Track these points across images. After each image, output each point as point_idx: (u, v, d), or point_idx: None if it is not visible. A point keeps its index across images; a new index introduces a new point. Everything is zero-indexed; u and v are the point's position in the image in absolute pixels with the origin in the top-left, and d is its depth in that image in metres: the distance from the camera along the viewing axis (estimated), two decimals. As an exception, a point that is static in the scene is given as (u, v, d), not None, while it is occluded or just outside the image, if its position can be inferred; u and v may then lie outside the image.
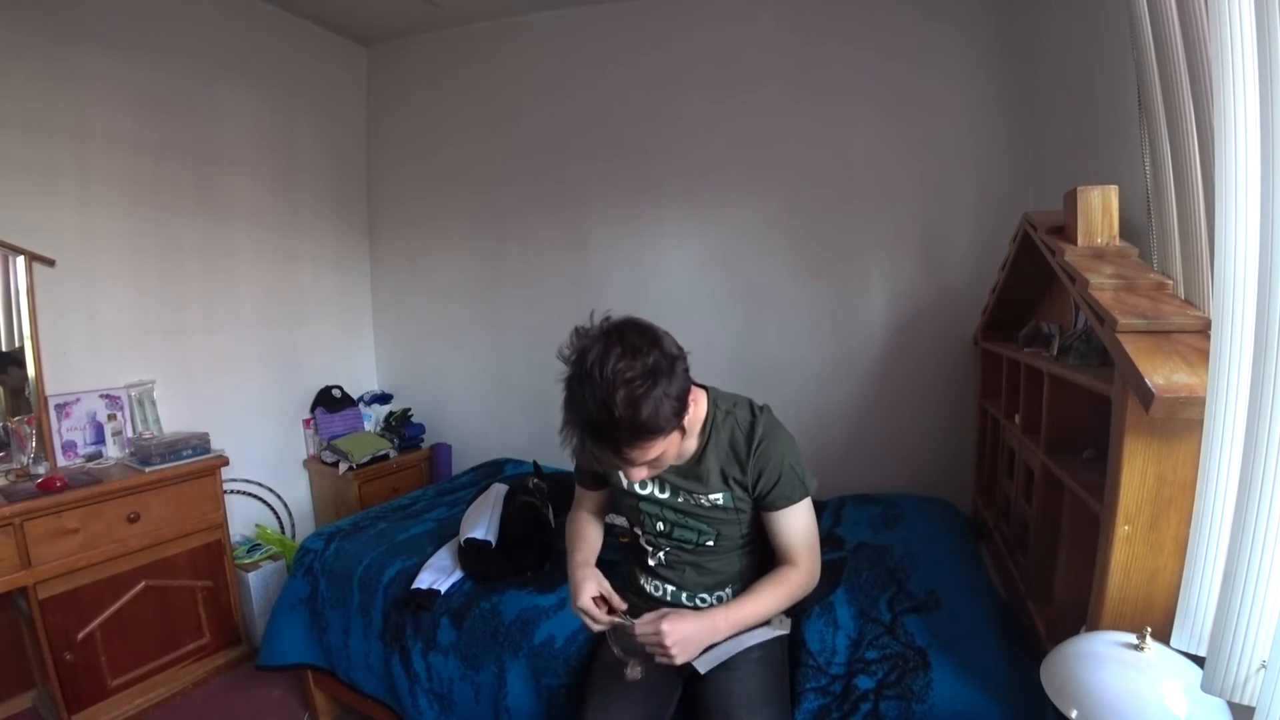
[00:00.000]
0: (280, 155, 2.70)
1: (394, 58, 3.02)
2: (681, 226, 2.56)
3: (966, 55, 2.13)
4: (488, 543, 1.63)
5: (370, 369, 3.22)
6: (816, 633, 1.30)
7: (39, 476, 1.81)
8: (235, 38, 2.50)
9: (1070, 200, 1.21)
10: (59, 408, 2.01)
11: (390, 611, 1.62)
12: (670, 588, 1.27)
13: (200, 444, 2.13)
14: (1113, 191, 1.17)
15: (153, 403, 2.22)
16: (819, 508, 1.58)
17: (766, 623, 1.21)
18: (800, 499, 1.16)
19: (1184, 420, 0.83)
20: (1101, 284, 1.03)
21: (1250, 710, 0.67)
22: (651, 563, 1.28)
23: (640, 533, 1.29)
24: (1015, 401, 1.57)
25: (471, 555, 1.64)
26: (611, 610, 1.13)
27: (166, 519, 2.00)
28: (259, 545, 2.44)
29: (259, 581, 2.28)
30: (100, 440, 2.10)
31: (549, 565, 1.69)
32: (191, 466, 2.06)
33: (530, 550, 1.68)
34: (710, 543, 1.22)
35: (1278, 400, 0.64)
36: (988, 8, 2.10)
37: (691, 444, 1.16)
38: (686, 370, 1.05)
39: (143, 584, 1.97)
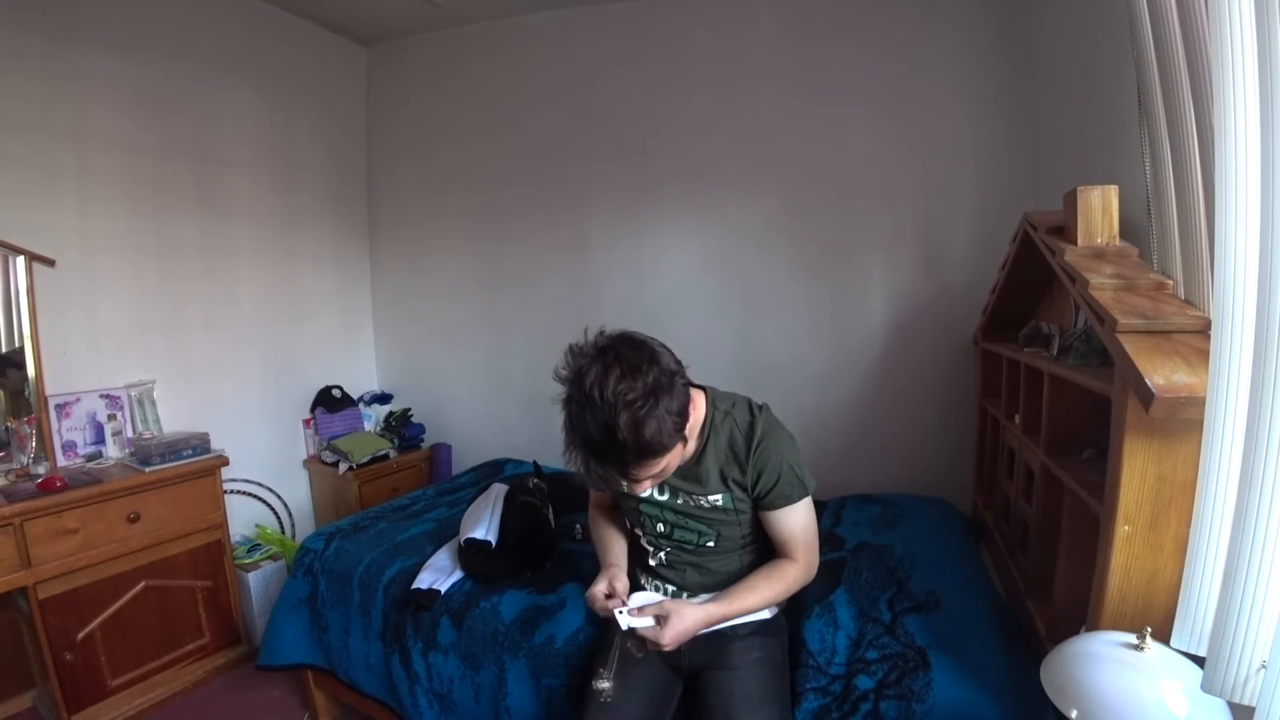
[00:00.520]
0: (280, 155, 2.71)
1: (394, 58, 3.02)
2: (681, 226, 2.56)
3: (966, 55, 2.13)
4: (488, 543, 1.63)
5: (370, 369, 3.22)
6: (816, 633, 1.30)
7: (39, 476, 1.81)
8: (235, 38, 2.50)
9: (1070, 200, 1.21)
10: (59, 408, 2.01)
11: (390, 611, 1.62)
12: (671, 588, 1.27)
13: (200, 444, 2.13)
14: (1113, 191, 1.17)
15: (153, 403, 2.22)
16: (819, 508, 1.58)
17: None
18: (800, 498, 1.16)
19: (1184, 420, 0.83)
20: (1101, 284, 1.03)
21: (1250, 710, 0.67)
22: (652, 563, 1.28)
23: (641, 534, 1.29)
24: (1015, 401, 1.57)
25: (471, 555, 1.64)
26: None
27: (166, 519, 2.00)
28: (259, 545, 2.44)
29: (259, 581, 2.28)
30: (100, 440, 2.10)
31: (549, 565, 1.69)
32: (191, 466, 2.07)
33: (530, 550, 1.68)
34: (710, 543, 1.22)
35: (1278, 400, 0.64)
36: (988, 8, 2.10)
37: (691, 446, 1.16)
38: (686, 384, 1.05)
39: (143, 584, 1.97)
